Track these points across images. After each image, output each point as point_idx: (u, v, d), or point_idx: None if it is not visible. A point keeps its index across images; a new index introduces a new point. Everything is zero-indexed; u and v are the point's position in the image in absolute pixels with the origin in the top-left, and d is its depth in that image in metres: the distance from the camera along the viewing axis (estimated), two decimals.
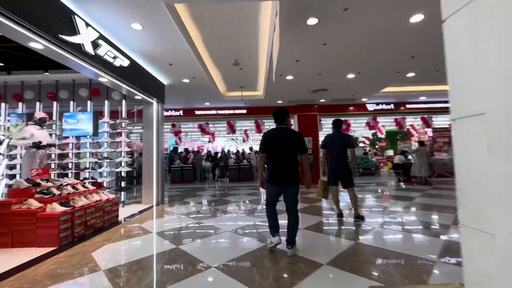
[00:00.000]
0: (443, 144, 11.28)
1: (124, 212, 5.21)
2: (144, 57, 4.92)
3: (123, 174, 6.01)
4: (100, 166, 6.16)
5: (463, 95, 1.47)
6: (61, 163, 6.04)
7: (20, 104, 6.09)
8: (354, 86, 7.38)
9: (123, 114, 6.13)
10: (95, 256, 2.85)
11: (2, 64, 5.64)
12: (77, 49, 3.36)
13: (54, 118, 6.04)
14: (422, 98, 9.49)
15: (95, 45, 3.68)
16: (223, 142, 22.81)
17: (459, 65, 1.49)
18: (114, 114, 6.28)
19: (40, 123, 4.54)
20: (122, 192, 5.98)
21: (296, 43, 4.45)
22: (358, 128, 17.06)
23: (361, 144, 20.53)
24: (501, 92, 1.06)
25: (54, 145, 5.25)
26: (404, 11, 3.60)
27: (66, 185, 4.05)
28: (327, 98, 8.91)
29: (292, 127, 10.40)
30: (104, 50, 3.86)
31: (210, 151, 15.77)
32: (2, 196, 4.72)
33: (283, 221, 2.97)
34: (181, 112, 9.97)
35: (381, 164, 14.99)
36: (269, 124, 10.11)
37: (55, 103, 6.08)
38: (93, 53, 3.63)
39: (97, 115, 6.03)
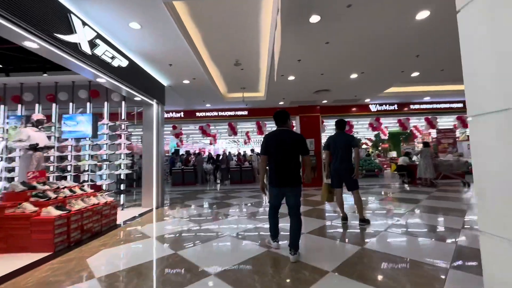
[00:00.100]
0: (448, 145, 11.09)
1: (123, 215, 5.11)
2: (143, 57, 4.84)
3: (122, 176, 5.92)
4: (100, 168, 6.09)
5: (482, 90, 1.35)
6: (60, 165, 5.97)
7: (19, 106, 6.04)
8: (357, 87, 7.25)
9: (123, 116, 6.06)
10: (90, 262, 2.74)
11: (1, 66, 5.59)
12: (74, 48, 3.28)
13: (53, 120, 5.98)
14: (427, 99, 9.34)
15: (92, 44, 3.61)
16: (224, 144, 22.73)
17: (476, 58, 1.38)
18: (114, 116, 6.21)
19: (38, 124, 4.46)
20: (122, 195, 5.89)
21: (298, 41, 4.35)
22: (361, 129, 16.91)
23: (364, 146, 20.34)
24: None
25: (51, 147, 5.16)
26: (410, 7, 3.48)
27: (63, 188, 3.96)
28: (330, 99, 8.79)
29: (294, 128, 10.28)
30: (101, 50, 3.78)
31: (211, 153, 15.68)
32: None
33: (285, 224, 2.84)
34: (181, 114, 9.89)
35: (384, 166, 14.78)
36: (271, 126, 10.00)
37: (54, 105, 6.02)
38: (90, 53, 3.55)
39: (97, 117, 5.96)
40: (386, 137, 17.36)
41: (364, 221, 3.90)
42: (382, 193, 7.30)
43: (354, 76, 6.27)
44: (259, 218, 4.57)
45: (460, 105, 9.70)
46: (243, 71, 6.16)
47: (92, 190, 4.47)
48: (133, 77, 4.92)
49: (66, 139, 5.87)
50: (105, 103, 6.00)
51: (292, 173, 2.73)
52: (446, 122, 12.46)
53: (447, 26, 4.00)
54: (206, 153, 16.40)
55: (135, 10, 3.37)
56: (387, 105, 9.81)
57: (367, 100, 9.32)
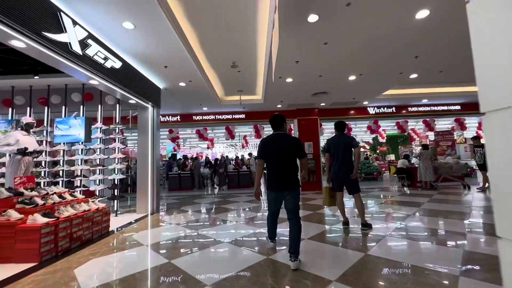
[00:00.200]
0: (446, 147, 11.06)
1: (117, 222, 4.92)
2: (137, 59, 4.72)
3: (116, 182, 5.74)
4: (94, 173, 5.90)
5: (498, 82, 1.23)
6: (52, 170, 5.79)
7: (10, 110, 5.87)
8: (355, 89, 7.19)
9: (117, 119, 5.91)
10: (78, 274, 2.57)
11: None
12: (64, 48, 3.15)
13: (45, 124, 5.82)
14: (425, 101, 9.31)
15: (83, 44, 3.48)
16: (222, 148, 22.57)
17: (489, 49, 1.28)
18: (109, 120, 6.05)
19: (27, 128, 4.30)
20: (115, 201, 5.70)
21: (296, 42, 4.27)
22: (359, 132, 16.89)
23: (361, 149, 20.31)
24: None
25: (41, 152, 4.99)
26: (410, 5, 3.41)
27: (53, 194, 3.78)
28: (328, 102, 8.72)
29: (292, 131, 10.18)
30: (93, 50, 3.66)
31: (208, 157, 15.53)
32: None
33: (285, 229, 2.71)
34: (178, 118, 9.75)
35: (383, 169, 14.70)
36: (269, 129, 9.86)
37: (46, 108, 5.86)
38: (81, 53, 3.42)
39: (90, 120, 5.82)
40: (384, 140, 17.38)
41: (366, 226, 3.77)
42: (383, 196, 7.18)
43: (352, 77, 6.21)
44: (258, 223, 4.42)
45: (458, 107, 9.69)
46: (240, 73, 6.07)
47: (83, 196, 4.29)
48: (127, 79, 4.79)
49: (58, 144, 5.69)
50: (99, 106, 5.86)
51: (289, 176, 2.71)
52: (443, 124, 12.47)
53: (446, 26, 3.95)
54: (204, 158, 16.22)
55: (128, 9, 3.26)
56: (385, 108, 9.77)
57: (365, 103, 9.27)
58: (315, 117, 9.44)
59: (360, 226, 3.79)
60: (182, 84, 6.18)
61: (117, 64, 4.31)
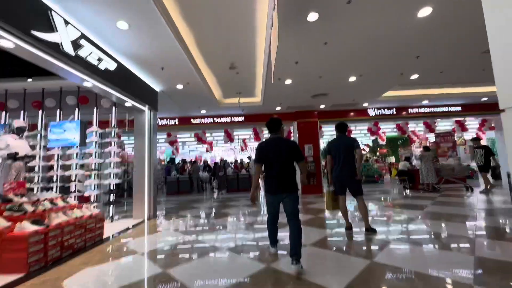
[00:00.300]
0: (447, 149, 10.96)
1: (112, 228, 4.76)
2: (133, 60, 4.62)
3: (112, 186, 5.59)
4: (89, 177, 5.73)
5: None
6: (45, 175, 5.63)
7: (3, 113, 5.73)
8: (355, 90, 7.10)
9: (113, 123, 5.78)
10: (66, 285, 2.41)
11: None
12: (55, 48, 3.04)
13: (39, 127, 5.68)
14: (425, 102, 9.23)
15: (76, 45, 3.37)
16: (221, 152, 22.41)
17: (508, 47, 1.18)
18: (106, 124, 5.91)
19: (18, 132, 4.16)
20: (111, 206, 5.54)
21: (295, 42, 4.17)
22: (359, 135, 16.78)
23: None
24: None
25: (33, 157, 4.85)
26: (412, 3, 3.33)
27: (44, 200, 3.63)
28: (327, 104, 8.63)
29: (292, 134, 10.07)
30: (86, 51, 3.55)
31: (206, 160, 15.38)
32: None
33: (286, 233, 2.57)
34: (176, 121, 9.63)
35: (383, 171, 14.57)
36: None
37: (40, 112, 5.73)
38: (73, 54, 3.31)
39: (86, 124, 5.68)
40: (384, 142, 17.28)
41: (370, 230, 3.63)
42: (385, 199, 7.04)
43: (352, 78, 6.12)
44: (257, 228, 4.26)
45: (459, 108, 9.62)
46: (238, 75, 5.97)
47: (77, 202, 4.13)
48: (122, 81, 4.68)
49: (53, 148, 5.55)
50: (95, 110, 5.73)
51: (287, 180, 2.71)
52: (443, 126, 12.38)
53: (448, 24, 3.87)
54: (203, 161, 16.05)
55: (122, 8, 3.16)
56: (386, 109, 9.68)
57: (365, 104, 9.18)
58: (315, 120, 9.34)
59: (364, 231, 3.65)
60: (179, 86, 6.08)
61: (112, 66, 4.20)
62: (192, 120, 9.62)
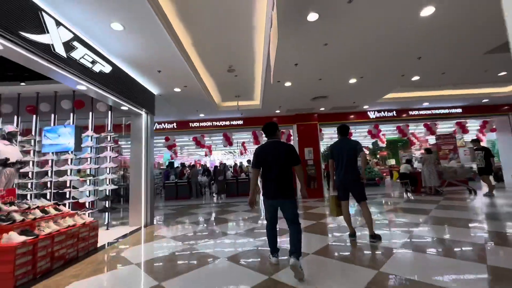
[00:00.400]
0: (449, 151, 10.85)
1: (107, 236, 4.61)
2: (129, 63, 4.50)
3: (107, 193, 5.43)
4: (85, 183, 5.58)
5: None
6: (39, 182, 5.47)
7: None
8: (355, 92, 7.01)
9: (109, 127, 5.65)
10: None
11: None
12: (46, 50, 2.92)
13: (33, 132, 5.54)
14: (425, 104, 9.15)
15: (68, 47, 3.26)
16: (220, 156, 22.27)
17: None
18: (102, 128, 5.78)
19: (9, 137, 4.02)
20: (106, 213, 5.38)
21: (295, 43, 4.08)
22: (359, 137, 16.68)
23: None
24: None
25: (25, 163, 4.70)
26: (415, 2, 3.24)
27: (35, 208, 3.48)
28: (327, 106, 8.53)
29: (292, 137, 9.96)
30: (80, 53, 3.43)
31: (205, 164, 15.24)
32: None
33: (287, 239, 2.43)
34: (174, 125, 9.50)
35: (384, 174, 14.44)
36: None
37: (34, 116, 5.60)
38: (65, 56, 3.19)
39: (81, 128, 5.55)
40: (384, 145, 17.19)
41: (375, 237, 3.48)
42: (387, 203, 6.90)
43: (353, 81, 6.02)
44: (257, 234, 4.11)
45: (459, 110, 9.54)
46: (237, 77, 5.88)
47: (69, 210, 3.98)
48: (118, 85, 4.56)
49: (47, 153, 5.41)
50: (90, 114, 5.61)
51: (284, 184, 2.69)
52: (444, 128, 12.29)
53: (451, 24, 3.78)
54: (203, 165, 15.89)
55: (116, 9, 3.05)
56: (386, 112, 9.60)
57: (366, 107, 9.09)
58: (315, 122, 9.24)
59: (369, 238, 3.51)
60: (177, 89, 5.97)
61: (107, 69, 4.08)
62: (190, 123, 9.50)
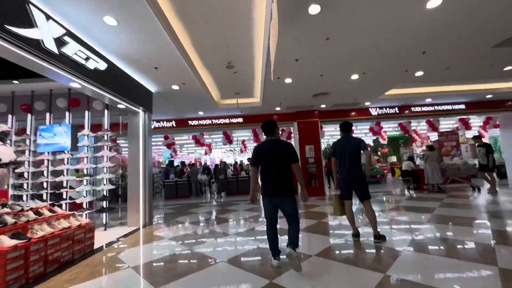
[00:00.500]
0: (451, 148, 10.72)
1: (104, 237, 4.51)
2: (124, 59, 4.37)
3: (105, 193, 5.33)
4: (87, 183, 5.46)
5: None
6: (35, 182, 5.36)
7: None
8: (357, 89, 6.87)
9: (106, 126, 5.53)
10: None
11: None
12: (35, 45, 2.79)
13: (28, 132, 5.42)
14: (428, 101, 9.00)
15: (60, 42, 3.13)
16: (220, 154, 22.17)
17: None
18: (99, 127, 5.65)
19: (2, 137, 3.90)
20: (104, 214, 5.27)
21: (296, 37, 3.94)
22: (360, 135, 16.56)
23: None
24: None
25: (19, 163, 4.59)
26: None
27: (28, 210, 3.37)
28: (328, 103, 8.39)
29: (292, 135, 9.83)
30: (72, 49, 3.30)
31: (206, 163, 15.13)
32: None
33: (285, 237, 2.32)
34: (173, 123, 9.38)
35: (385, 171, 14.33)
36: None
37: (29, 115, 5.48)
38: (57, 52, 3.07)
39: (77, 127, 5.42)
40: (385, 142, 17.06)
41: (380, 238, 3.37)
42: (390, 201, 6.79)
43: (355, 77, 5.88)
44: (258, 237, 4.01)
45: (462, 106, 9.39)
46: (236, 74, 5.74)
47: (64, 211, 3.86)
48: (114, 82, 4.43)
49: (42, 153, 5.29)
50: (86, 112, 5.48)
51: (283, 182, 2.69)
52: (446, 125, 12.15)
53: (459, 15, 3.63)
54: (203, 164, 15.79)
55: (109, 2, 2.92)
56: (388, 109, 9.46)
57: (367, 104, 8.95)
58: (316, 120, 9.11)
59: (373, 238, 3.40)
60: (175, 87, 5.83)
61: (102, 65, 3.95)
62: (189, 122, 9.38)
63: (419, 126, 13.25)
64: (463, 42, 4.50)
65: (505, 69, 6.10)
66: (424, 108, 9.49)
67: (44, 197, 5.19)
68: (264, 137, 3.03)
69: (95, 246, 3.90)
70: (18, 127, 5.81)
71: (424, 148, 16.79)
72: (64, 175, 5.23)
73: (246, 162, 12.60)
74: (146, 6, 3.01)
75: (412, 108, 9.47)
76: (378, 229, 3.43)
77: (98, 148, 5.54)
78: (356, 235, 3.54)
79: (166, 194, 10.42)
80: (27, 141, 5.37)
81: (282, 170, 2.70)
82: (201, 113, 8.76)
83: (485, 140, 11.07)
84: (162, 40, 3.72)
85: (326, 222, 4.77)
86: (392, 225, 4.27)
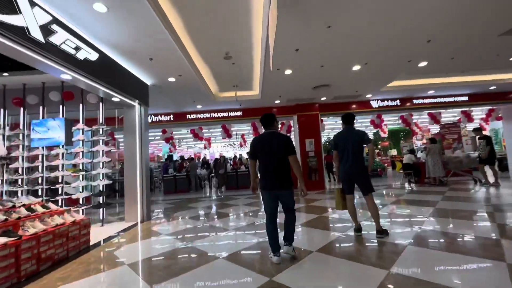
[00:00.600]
0: (453, 141, 10.61)
1: (101, 233, 4.43)
2: (117, 50, 4.19)
3: (101, 188, 5.22)
4: (83, 178, 5.36)
5: None
6: (30, 178, 5.25)
7: None
8: (359, 80, 6.70)
9: (101, 120, 5.38)
10: None
11: None
12: (20, 34, 2.63)
13: (21, 126, 5.28)
14: (431, 92, 8.83)
15: (47, 31, 2.96)
16: (220, 148, 22.07)
17: None
18: (95, 121, 5.50)
19: None
20: (101, 209, 5.18)
21: (296, 25, 3.75)
22: (360, 128, 16.41)
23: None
24: None
25: (8, 158, 4.46)
26: None
27: (20, 206, 3.27)
28: (329, 96, 8.22)
29: (292, 128, 9.70)
30: (60, 38, 3.13)
31: (205, 157, 15.04)
32: None
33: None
34: (171, 117, 9.21)
35: (385, 165, 14.26)
36: None
37: (22, 109, 5.33)
38: (43, 41, 2.90)
39: (71, 121, 5.28)
40: (386, 135, 16.95)
41: (382, 233, 3.29)
42: (391, 195, 6.72)
43: (357, 67, 5.71)
44: (258, 232, 3.92)
45: (465, 98, 9.23)
46: (234, 65, 5.56)
47: (58, 207, 3.76)
48: (107, 74, 4.27)
49: (36, 148, 5.16)
50: (80, 106, 5.33)
51: (281, 175, 2.71)
52: (446, 118, 12.01)
53: (467, 1, 3.45)
54: (201, 158, 15.70)
55: None
56: (389, 101, 9.28)
57: (368, 96, 8.78)
58: (316, 113, 8.95)
59: (376, 233, 3.31)
60: (171, 79, 5.66)
61: (93, 56, 3.78)
62: (187, 115, 9.21)
63: (420, 119, 13.11)
64: (470, 30, 4.32)
65: (511, 59, 5.93)
66: (426, 100, 9.32)
67: (40, 193, 5.10)
68: (264, 130, 2.93)
69: (92, 243, 3.82)
70: (12, 121, 5.68)
71: (424, 141, 16.71)
72: (59, 170, 5.12)
73: (245, 156, 12.49)
74: None
75: (414, 101, 9.30)
76: (381, 224, 3.34)
77: (94, 142, 5.41)
78: (358, 230, 3.45)
79: (165, 188, 10.35)
80: (20, 136, 5.23)
81: (280, 163, 2.71)
82: (199, 106, 8.59)
83: (485, 132, 10.96)
84: (156, 28, 3.54)
85: (327, 216, 4.69)
86: (394, 219, 4.19)
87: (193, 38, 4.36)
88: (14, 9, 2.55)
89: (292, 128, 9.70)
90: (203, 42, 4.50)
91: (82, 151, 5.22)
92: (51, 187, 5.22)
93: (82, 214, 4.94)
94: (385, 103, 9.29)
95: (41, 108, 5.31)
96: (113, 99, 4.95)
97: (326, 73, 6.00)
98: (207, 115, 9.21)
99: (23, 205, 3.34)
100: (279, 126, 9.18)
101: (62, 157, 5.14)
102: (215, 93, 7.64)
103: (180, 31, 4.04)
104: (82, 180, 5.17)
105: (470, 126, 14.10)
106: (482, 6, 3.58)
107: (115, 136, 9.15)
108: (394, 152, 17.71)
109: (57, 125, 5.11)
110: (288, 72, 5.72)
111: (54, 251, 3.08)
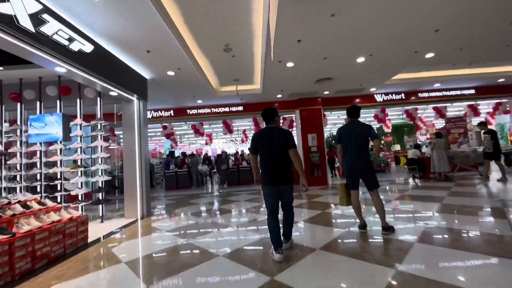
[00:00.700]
0: (459, 135, 10.39)
1: (100, 230, 4.36)
2: (112, 42, 4.06)
3: (101, 184, 5.15)
4: (82, 174, 5.28)
5: None
6: (29, 174, 5.18)
7: None
8: (363, 73, 6.51)
9: (99, 115, 5.28)
10: None
11: None
12: (7, 22, 2.50)
13: (18, 122, 5.20)
14: (436, 85, 8.61)
15: (38, 20, 2.83)
16: (221, 144, 21.98)
17: None
18: (94, 117, 5.40)
19: None
20: (100, 206, 5.12)
21: (298, 14, 3.58)
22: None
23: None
24: None
25: (6, 154, 4.39)
26: None
27: (15, 203, 3.19)
28: (332, 90, 8.04)
29: (294, 123, 9.55)
30: (52, 29, 3.00)
31: (207, 153, 14.96)
32: None
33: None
34: (171, 112, 9.10)
35: (389, 160, 14.08)
36: None
37: (19, 104, 5.24)
38: (34, 31, 2.78)
39: (69, 117, 5.19)
40: (389, 130, 16.72)
41: (388, 229, 3.17)
42: (396, 190, 6.58)
43: (361, 59, 5.52)
44: (259, 229, 3.82)
45: (472, 91, 8.99)
46: (235, 58, 5.41)
47: (55, 204, 3.68)
48: (103, 67, 4.15)
49: (34, 144, 5.08)
50: (78, 101, 5.22)
51: (282, 170, 2.69)
52: (452, 112, 11.77)
53: None
54: (203, 154, 15.62)
55: None
56: (394, 95, 9.08)
57: (372, 90, 8.59)
58: (318, 107, 8.78)
59: (381, 229, 3.19)
60: (170, 73, 5.53)
61: (88, 48, 3.66)
62: (188, 111, 9.09)
63: (425, 113, 12.88)
64: (479, 20, 4.12)
65: None
66: (432, 94, 9.10)
67: (38, 189, 5.03)
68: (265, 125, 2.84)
69: (90, 239, 3.76)
70: (9, 117, 5.60)
71: (428, 136, 16.45)
72: (57, 166, 5.05)
73: (247, 152, 12.38)
74: None
75: (419, 94, 9.08)
76: (386, 220, 3.22)
77: (93, 138, 5.32)
78: (363, 226, 3.33)
79: (167, 185, 10.30)
80: (18, 132, 5.15)
81: (281, 160, 2.69)
82: (199, 101, 8.46)
83: (491, 127, 10.73)
84: (153, 18, 3.40)
85: (330, 212, 4.58)
86: (400, 215, 4.06)
87: (191, 28, 4.21)
88: None
89: (294, 123, 9.55)
90: (202, 33, 4.35)
91: (81, 147, 5.14)
92: (50, 184, 5.15)
93: (82, 210, 4.88)
94: (389, 96, 9.09)
95: (38, 103, 5.22)
96: (111, 93, 4.84)
97: (329, 66, 5.82)
98: (208, 110, 9.09)
99: (19, 202, 3.27)
100: (281, 120, 9.01)
101: (61, 153, 5.06)
102: (216, 87, 7.50)
103: (178, 20, 3.90)
104: (81, 176, 5.10)
105: (475, 121, 13.86)
106: None
107: (116, 132, 9.08)
108: (397, 147, 17.50)
109: (54, 120, 5.02)
110: (290, 64, 5.55)
111: (50, 248, 3.00)
